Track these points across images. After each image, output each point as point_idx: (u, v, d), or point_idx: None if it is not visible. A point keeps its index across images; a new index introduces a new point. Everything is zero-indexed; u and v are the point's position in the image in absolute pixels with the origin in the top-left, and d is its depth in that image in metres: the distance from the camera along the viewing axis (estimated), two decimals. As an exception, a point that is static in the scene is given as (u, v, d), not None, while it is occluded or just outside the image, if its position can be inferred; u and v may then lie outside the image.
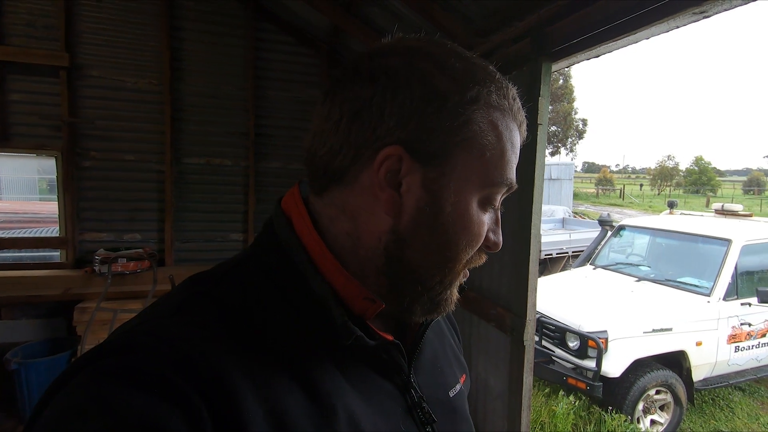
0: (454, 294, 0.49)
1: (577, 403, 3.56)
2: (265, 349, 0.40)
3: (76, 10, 3.38)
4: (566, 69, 31.47)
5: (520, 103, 0.48)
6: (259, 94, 3.86)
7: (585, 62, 1.89)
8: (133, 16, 3.51)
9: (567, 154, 37.29)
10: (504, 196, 0.48)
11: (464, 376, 0.62)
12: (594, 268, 5.09)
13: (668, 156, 53.88)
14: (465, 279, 0.51)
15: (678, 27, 1.42)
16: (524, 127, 0.49)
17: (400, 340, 0.49)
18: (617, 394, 3.52)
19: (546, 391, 3.98)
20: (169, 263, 3.67)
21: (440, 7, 2.31)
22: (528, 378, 1.99)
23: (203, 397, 0.34)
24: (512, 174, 0.47)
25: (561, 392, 3.67)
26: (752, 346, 4.01)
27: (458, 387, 0.58)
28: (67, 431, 0.31)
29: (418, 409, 0.49)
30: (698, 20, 1.35)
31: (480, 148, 0.44)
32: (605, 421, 3.38)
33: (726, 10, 1.27)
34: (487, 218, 0.47)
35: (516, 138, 0.47)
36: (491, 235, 0.48)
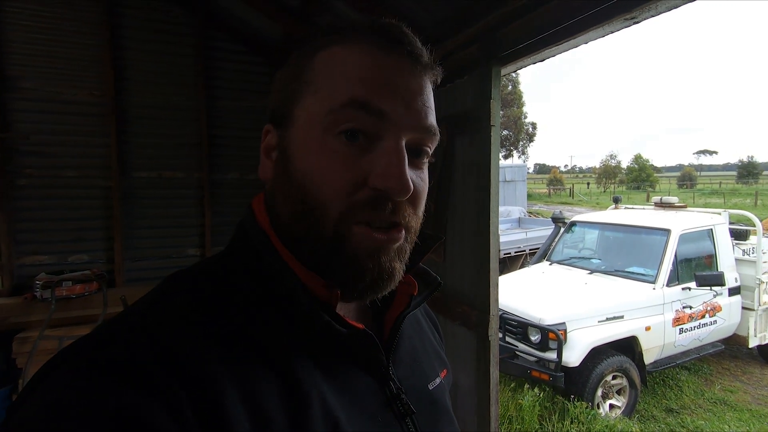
0: (391, 265, 0.44)
1: (541, 395, 3.69)
2: (242, 341, 0.40)
3: (4, 17, 3.16)
4: (514, 75, 32.91)
5: (385, 27, 0.45)
6: (211, 104, 3.75)
7: (531, 66, 1.99)
8: (69, 24, 3.32)
9: (519, 156, 38.89)
10: (398, 130, 0.42)
11: (445, 371, 0.62)
12: (550, 264, 5.32)
13: (611, 155, 57.36)
14: (373, 244, 0.43)
15: (612, 32, 1.53)
16: (405, 45, 0.44)
17: (377, 333, 0.49)
18: (578, 382, 3.68)
19: (512, 385, 4.09)
20: (119, 284, 3.46)
21: (392, 15, 2.36)
22: (494, 372, 2.04)
23: (185, 387, 0.34)
24: (360, 90, 0.42)
25: (526, 385, 3.79)
26: (694, 327, 4.33)
27: (438, 380, 0.58)
28: (47, 427, 0.30)
29: (397, 400, 0.49)
30: (630, 25, 1.46)
31: (313, 90, 0.44)
32: (568, 410, 3.52)
33: (653, 16, 1.39)
34: (349, 149, 0.42)
35: (366, 59, 0.43)
36: (374, 172, 0.42)
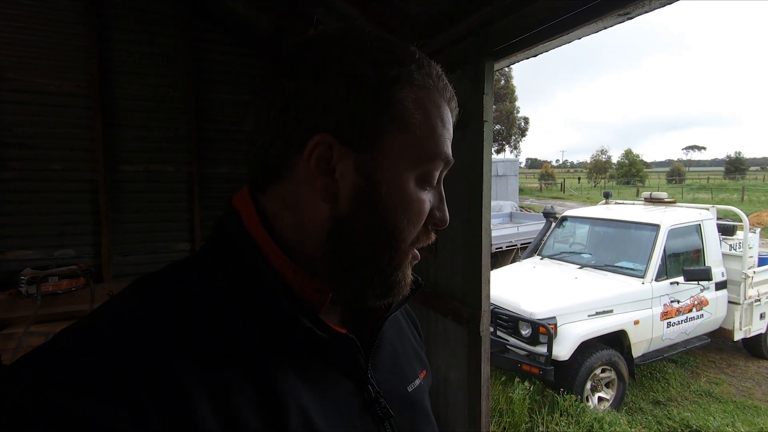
0: (407, 276, 0.49)
1: (531, 388, 3.72)
2: (215, 348, 0.39)
3: (-14, 6, 3.07)
4: (507, 70, 32.92)
5: (446, 81, 0.48)
6: (200, 96, 3.69)
7: (524, 61, 1.97)
8: (53, 14, 3.23)
9: (511, 151, 39.03)
10: (443, 173, 0.49)
11: (425, 372, 0.62)
12: (541, 258, 5.35)
13: (601, 150, 57.81)
14: (416, 261, 0.50)
15: (606, 27, 1.52)
16: (454, 103, 0.50)
17: (357, 336, 0.49)
18: (567, 376, 3.72)
19: (502, 379, 4.12)
20: (107, 279, 3.42)
21: (385, 9, 2.33)
22: (485, 367, 2.05)
23: (152, 397, 0.33)
24: (447, 149, 0.47)
25: (516, 379, 3.82)
26: (681, 320, 4.39)
27: (417, 382, 0.58)
28: None
29: (376, 404, 0.49)
30: (623, 21, 1.45)
31: (409, 127, 0.44)
32: (558, 403, 3.56)
33: (646, 12, 1.38)
34: (427, 196, 0.47)
35: (446, 114, 0.48)
36: (435, 213, 0.48)
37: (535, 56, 1.88)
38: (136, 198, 3.55)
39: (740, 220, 5.25)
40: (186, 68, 3.62)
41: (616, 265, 4.59)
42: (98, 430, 0.30)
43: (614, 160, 59.96)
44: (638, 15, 1.40)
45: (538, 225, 7.85)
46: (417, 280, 0.56)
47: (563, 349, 3.64)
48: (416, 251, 0.49)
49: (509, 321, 3.94)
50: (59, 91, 3.28)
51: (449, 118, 0.48)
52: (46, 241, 3.30)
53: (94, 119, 3.35)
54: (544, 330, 3.64)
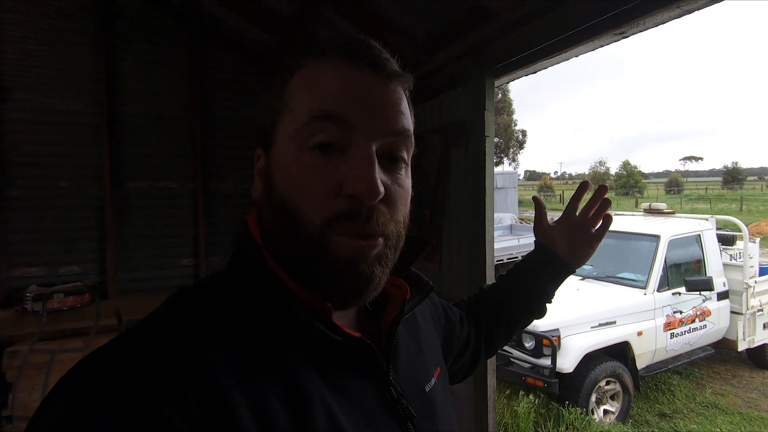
0: (370, 270, 0.45)
1: (536, 401, 3.70)
2: (244, 348, 0.42)
3: (-3, 28, 3.15)
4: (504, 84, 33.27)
5: (361, 43, 0.47)
6: (205, 114, 3.75)
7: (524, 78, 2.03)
8: (63, 35, 3.31)
9: (510, 163, 39.26)
10: (370, 138, 0.44)
11: (439, 369, 0.63)
12: (543, 270, 5.36)
13: (600, 162, 58.25)
14: (365, 249, 0.44)
15: (602, 46, 1.57)
16: (375, 55, 0.46)
17: (374, 340, 0.51)
18: (572, 388, 3.71)
19: (507, 392, 4.10)
20: (112, 295, 3.42)
21: (386, 27, 2.40)
22: (491, 380, 2.05)
23: (193, 388, 0.36)
24: (329, 102, 0.43)
25: (521, 392, 3.81)
26: (684, 331, 4.39)
27: (433, 381, 0.60)
28: (71, 425, 0.32)
29: (398, 405, 0.50)
30: (618, 40, 1.51)
31: (289, 110, 0.46)
32: (563, 416, 3.54)
33: (641, 31, 1.43)
34: (320, 163, 0.44)
35: (342, 72, 0.45)
36: (344, 183, 0.43)
37: (534, 73, 1.93)
38: (141, 214, 3.58)
39: (740, 230, 5.29)
40: (191, 86, 3.69)
41: (617, 276, 4.61)
42: (146, 411, 0.34)
43: (612, 171, 60.29)
44: (633, 34, 1.46)
45: (539, 237, 7.84)
46: (427, 283, 0.59)
47: (567, 361, 3.64)
48: (357, 241, 0.44)
49: (513, 333, 3.93)
50: (68, 110, 3.34)
51: (341, 74, 0.45)
52: (52, 258, 3.32)
53: (101, 137, 3.40)
54: (547, 342, 3.64)
